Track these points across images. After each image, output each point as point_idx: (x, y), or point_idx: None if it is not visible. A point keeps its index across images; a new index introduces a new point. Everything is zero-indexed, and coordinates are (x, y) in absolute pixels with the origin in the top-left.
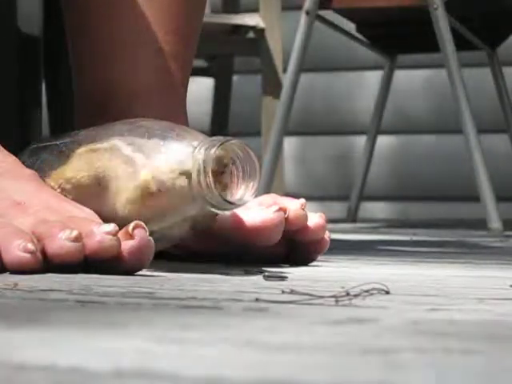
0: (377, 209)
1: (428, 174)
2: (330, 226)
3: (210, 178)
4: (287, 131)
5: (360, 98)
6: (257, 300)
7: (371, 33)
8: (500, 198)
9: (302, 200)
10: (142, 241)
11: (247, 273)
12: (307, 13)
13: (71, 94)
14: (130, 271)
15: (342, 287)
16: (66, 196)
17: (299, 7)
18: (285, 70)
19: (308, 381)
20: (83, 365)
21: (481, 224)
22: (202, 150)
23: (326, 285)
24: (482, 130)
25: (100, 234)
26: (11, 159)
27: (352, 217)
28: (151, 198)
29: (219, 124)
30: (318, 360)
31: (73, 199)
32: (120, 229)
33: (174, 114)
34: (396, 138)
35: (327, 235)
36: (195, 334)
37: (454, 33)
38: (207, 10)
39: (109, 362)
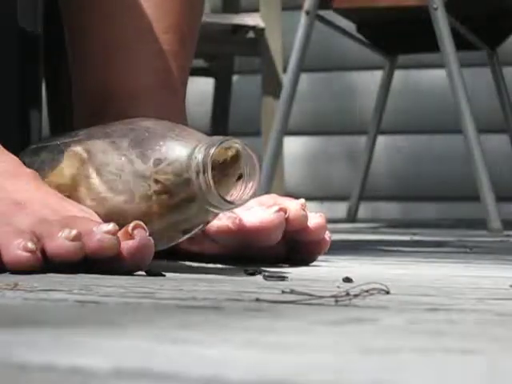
0: (377, 209)
1: (428, 174)
2: (330, 225)
3: (210, 178)
4: (287, 131)
5: (360, 98)
6: (257, 300)
7: (371, 33)
8: (500, 198)
9: (302, 200)
10: (141, 241)
11: (247, 273)
12: (307, 13)
13: (71, 94)
14: (130, 271)
15: (338, 287)
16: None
17: (299, 7)
18: (285, 70)
19: (308, 381)
20: (83, 365)
21: (481, 224)
22: (202, 150)
23: (325, 285)
24: (482, 130)
25: (100, 233)
26: (11, 159)
27: (352, 217)
28: (151, 197)
29: (219, 124)
30: (318, 360)
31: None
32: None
33: (173, 113)
34: (396, 138)
35: (327, 235)
36: (195, 334)
37: (454, 33)
38: (207, 9)
39: (109, 362)
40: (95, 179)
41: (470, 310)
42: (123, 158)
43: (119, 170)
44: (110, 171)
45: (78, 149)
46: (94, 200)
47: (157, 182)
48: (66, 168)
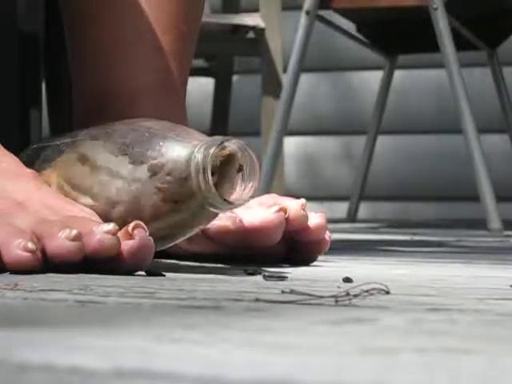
0: (377, 209)
1: (428, 174)
2: (330, 225)
3: (210, 178)
4: (287, 131)
5: (360, 99)
6: (257, 300)
7: (371, 33)
8: (500, 198)
9: (303, 200)
10: (141, 241)
11: (247, 273)
12: (307, 13)
13: (71, 94)
14: (130, 271)
15: (338, 287)
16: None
17: (299, 7)
18: (285, 70)
19: (308, 381)
20: (83, 365)
21: (481, 224)
22: (202, 150)
23: (325, 285)
24: (482, 130)
25: (100, 233)
26: (11, 159)
27: (352, 217)
28: (151, 198)
29: (219, 124)
30: (318, 360)
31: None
32: (119, 229)
33: (173, 113)
34: (396, 138)
35: (328, 235)
36: (195, 334)
37: (454, 33)
38: (207, 9)
39: (109, 362)
40: (92, 183)
41: (470, 310)
42: (121, 159)
43: (116, 171)
44: (106, 174)
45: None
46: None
47: (156, 182)
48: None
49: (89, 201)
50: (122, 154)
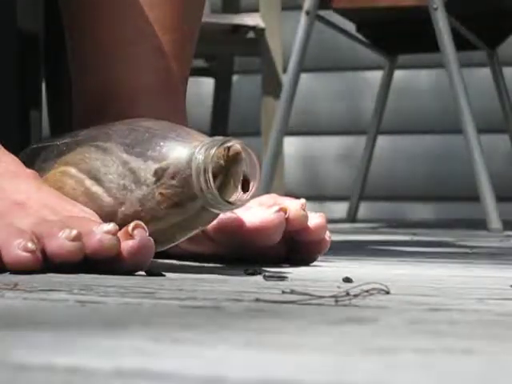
0: (377, 209)
1: (428, 174)
2: (330, 225)
3: (210, 178)
4: (287, 131)
5: (360, 99)
6: (257, 300)
7: (371, 33)
8: (500, 198)
9: (303, 200)
10: (142, 241)
11: (247, 273)
12: (307, 13)
13: (71, 94)
14: (130, 271)
15: (338, 287)
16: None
17: (299, 7)
18: (285, 70)
19: (308, 381)
20: (83, 365)
21: (481, 224)
22: (202, 151)
23: (325, 285)
24: (482, 130)
25: (100, 233)
26: (11, 159)
27: (352, 217)
28: (151, 198)
29: (219, 124)
30: (318, 360)
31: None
32: (119, 229)
33: (173, 113)
34: (396, 138)
35: (328, 235)
36: (195, 334)
37: (454, 33)
38: (207, 9)
39: (109, 361)
40: (96, 188)
41: (470, 310)
42: (120, 160)
43: (119, 177)
44: (110, 180)
45: (68, 169)
46: (94, 205)
47: (156, 183)
48: (61, 184)
49: (97, 188)
50: (125, 155)
